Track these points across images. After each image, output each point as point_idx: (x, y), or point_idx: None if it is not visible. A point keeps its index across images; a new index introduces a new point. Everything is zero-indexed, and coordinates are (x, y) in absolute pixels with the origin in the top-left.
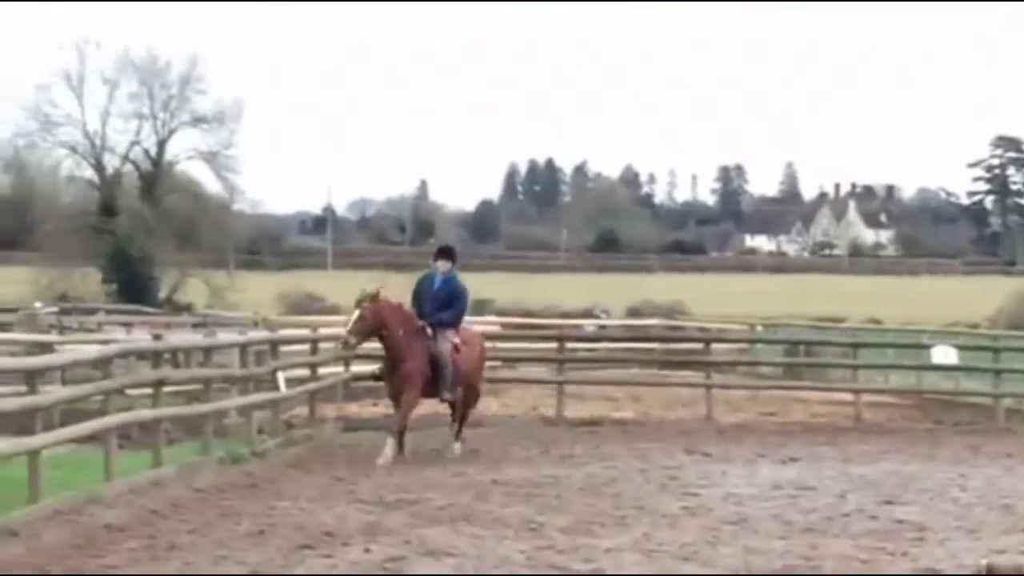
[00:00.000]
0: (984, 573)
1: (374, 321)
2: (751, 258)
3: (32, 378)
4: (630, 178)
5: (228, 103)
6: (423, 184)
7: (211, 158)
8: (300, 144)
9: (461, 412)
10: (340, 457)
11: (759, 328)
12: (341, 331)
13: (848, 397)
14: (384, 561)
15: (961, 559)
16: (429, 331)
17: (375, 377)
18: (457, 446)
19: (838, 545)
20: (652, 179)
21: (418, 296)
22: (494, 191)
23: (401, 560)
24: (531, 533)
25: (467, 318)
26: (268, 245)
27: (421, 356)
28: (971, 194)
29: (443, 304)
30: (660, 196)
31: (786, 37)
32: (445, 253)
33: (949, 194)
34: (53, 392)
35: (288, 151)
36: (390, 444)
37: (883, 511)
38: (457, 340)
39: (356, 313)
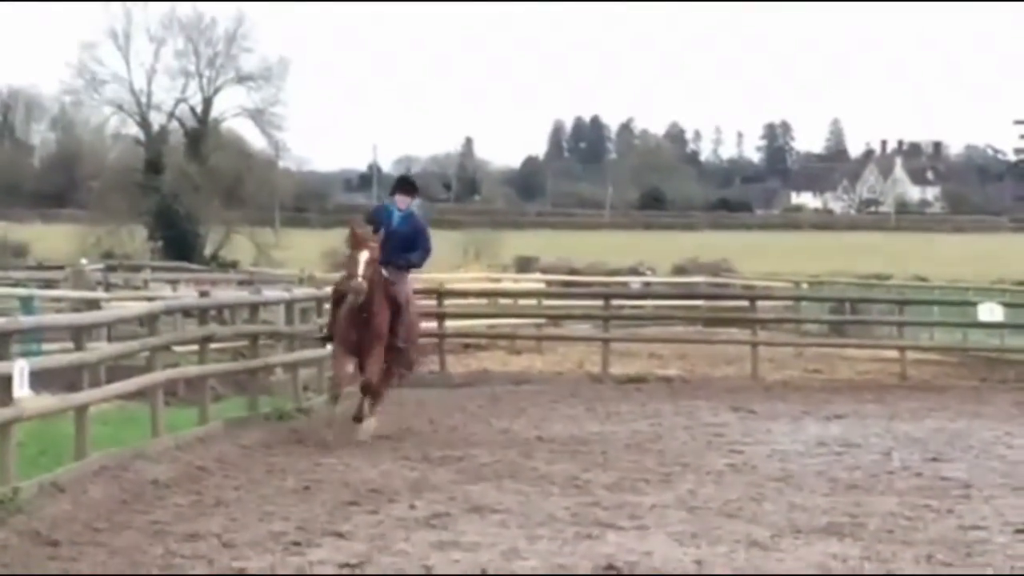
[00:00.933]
0: None
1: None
2: (797, 215)
3: (79, 335)
4: (676, 135)
5: (274, 61)
6: (468, 141)
7: (257, 115)
8: (346, 102)
9: (387, 378)
10: (386, 414)
11: (804, 286)
12: (356, 279)
13: (894, 354)
14: (429, 517)
15: (1007, 517)
16: (385, 274)
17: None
18: (372, 423)
19: (883, 502)
20: (698, 136)
21: (376, 229)
22: (540, 148)
23: (446, 516)
24: (576, 490)
25: (512, 275)
26: (313, 202)
27: (387, 307)
28: (1018, 151)
29: (406, 244)
30: (706, 153)
31: None
32: (405, 186)
33: (996, 151)
34: (100, 349)
35: (334, 109)
36: (368, 416)
37: (928, 468)
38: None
39: (365, 254)
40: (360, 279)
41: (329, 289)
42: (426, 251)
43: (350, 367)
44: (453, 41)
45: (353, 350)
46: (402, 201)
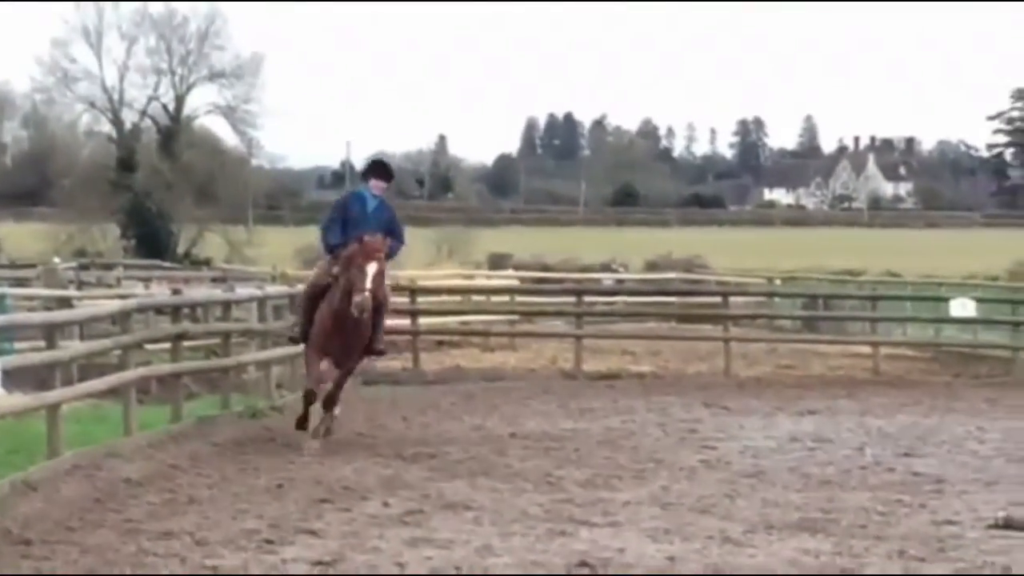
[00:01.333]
0: (1001, 525)
1: None
2: (770, 212)
3: (51, 333)
4: (648, 132)
5: (247, 58)
6: (441, 139)
7: (229, 113)
8: (319, 99)
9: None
10: (359, 411)
11: (777, 282)
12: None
13: (866, 350)
14: (403, 515)
15: (979, 512)
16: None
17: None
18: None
19: (856, 498)
20: (671, 133)
21: (344, 221)
22: (513, 145)
23: (420, 514)
24: (549, 487)
25: (485, 272)
26: (286, 200)
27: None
28: (991, 146)
29: (384, 232)
30: (678, 150)
31: None
32: (380, 170)
33: (969, 147)
34: (72, 347)
35: (307, 106)
36: (322, 419)
37: (901, 464)
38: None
39: (374, 267)
40: (366, 294)
41: (301, 286)
42: (401, 241)
43: (325, 365)
44: (427, 39)
45: (335, 355)
46: (377, 186)
